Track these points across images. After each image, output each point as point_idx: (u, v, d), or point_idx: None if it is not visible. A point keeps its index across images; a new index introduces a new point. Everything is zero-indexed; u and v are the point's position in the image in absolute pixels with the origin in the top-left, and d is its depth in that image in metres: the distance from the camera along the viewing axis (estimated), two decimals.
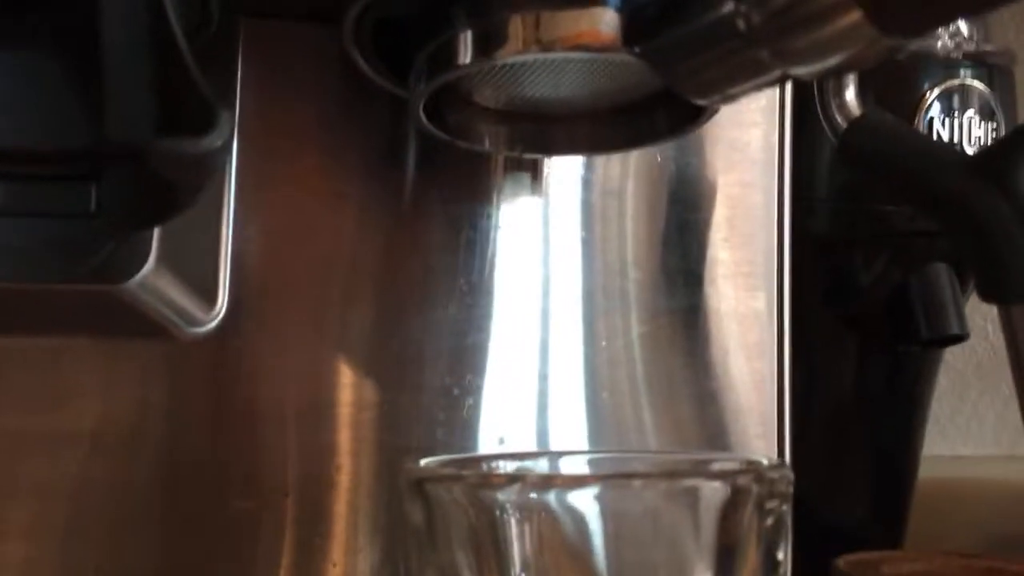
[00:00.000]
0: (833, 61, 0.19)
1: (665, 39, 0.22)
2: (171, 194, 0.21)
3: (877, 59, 0.18)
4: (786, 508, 0.22)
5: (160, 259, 0.25)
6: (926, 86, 0.43)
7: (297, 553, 0.31)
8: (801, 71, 0.19)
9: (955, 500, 0.57)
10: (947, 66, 0.44)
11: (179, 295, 0.29)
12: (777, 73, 0.20)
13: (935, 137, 0.43)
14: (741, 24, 0.19)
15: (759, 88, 0.21)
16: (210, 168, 0.21)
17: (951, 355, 0.64)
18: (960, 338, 0.45)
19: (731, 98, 0.22)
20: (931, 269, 0.45)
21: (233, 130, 0.29)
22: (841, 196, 0.46)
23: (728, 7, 0.20)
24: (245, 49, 0.31)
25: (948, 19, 0.17)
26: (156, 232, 0.25)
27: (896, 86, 0.44)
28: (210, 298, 0.31)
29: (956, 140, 0.43)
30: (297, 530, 0.31)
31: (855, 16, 0.17)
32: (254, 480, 0.31)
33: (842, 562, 0.43)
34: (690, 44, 0.21)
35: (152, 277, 0.25)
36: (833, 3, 0.17)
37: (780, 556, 0.22)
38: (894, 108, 0.43)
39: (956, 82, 0.44)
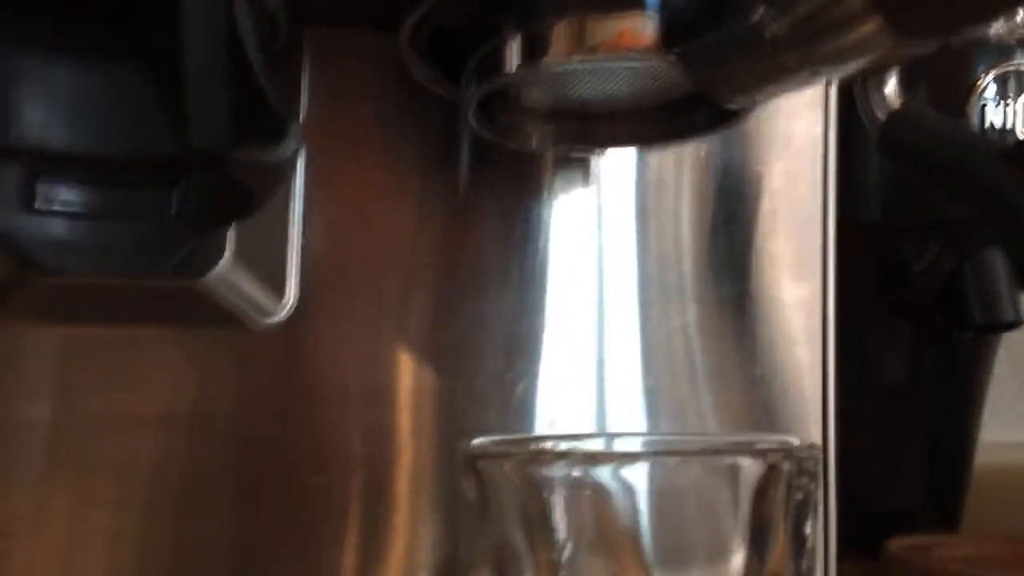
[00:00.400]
0: (855, 66, 0.19)
1: (699, 44, 0.23)
2: (245, 197, 0.23)
3: (898, 63, 0.19)
4: (814, 486, 0.23)
5: (234, 255, 0.27)
6: (980, 71, 0.43)
7: (363, 525, 0.33)
8: (824, 75, 0.20)
9: (1013, 486, 0.57)
10: (1001, 51, 0.43)
11: (252, 288, 0.31)
12: (803, 77, 0.21)
13: (988, 123, 0.43)
14: (768, 32, 0.20)
15: (787, 91, 0.22)
16: (282, 175, 0.23)
17: (1012, 341, 0.63)
18: (1015, 324, 0.45)
19: (761, 101, 0.23)
20: (984, 255, 0.45)
21: (299, 138, 0.31)
22: (892, 183, 0.46)
23: (757, 15, 0.21)
24: (310, 55, 0.33)
25: (964, 26, 0.18)
26: (231, 231, 0.27)
27: (949, 71, 0.43)
28: (280, 290, 0.33)
29: (1010, 125, 0.43)
30: (363, 505, 0.33)
31: (875, 24, 0.18)
32: (321, 458, 0.33)
33: (893, 545, 0.43)
34: (722, 50, 0.22)
35: (227, 272, 0.27)
36: (854, 12, 0.18)
37: (807, 531, 0.23)
38: (947, 93, 0.43)
39: (1011, 67, 0.43)
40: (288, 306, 0.33)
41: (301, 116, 0.32)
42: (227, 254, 0.27)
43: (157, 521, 0.32)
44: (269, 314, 0.33)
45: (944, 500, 0.52)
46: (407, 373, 0.34)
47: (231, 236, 0.27)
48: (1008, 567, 0.41)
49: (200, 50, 0.23)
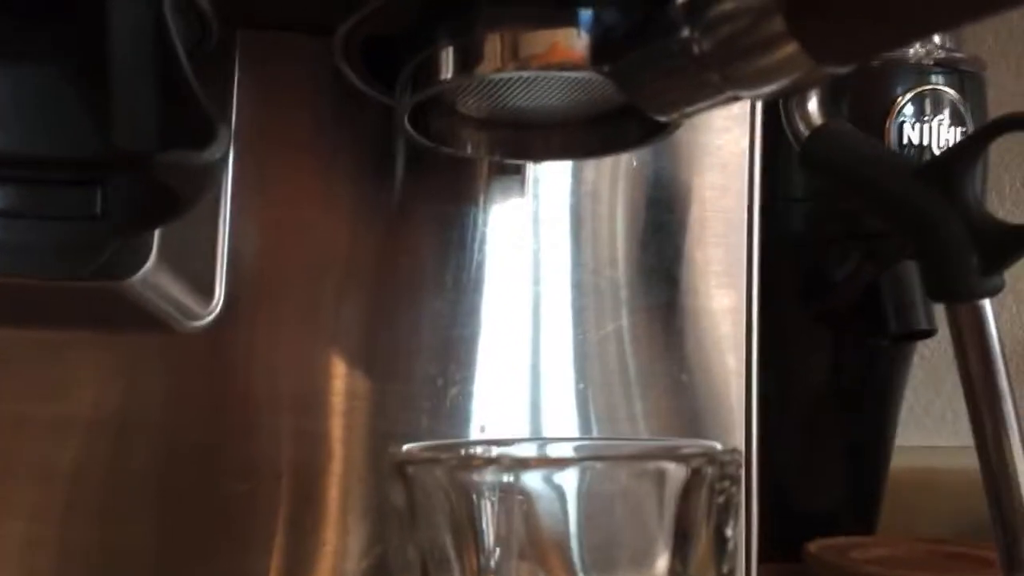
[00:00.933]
0: (775, 86, 0.20)
1: (629, 60, 0.24)
2: (172, 200, 0.23)
3: (816, 84, 0.19)
4: (735, 489, 0.24)
5: (160, 258, 0.27)
6: (898, 91, 0.45)
7: (290, 532, 0.33)
8: (748, 94, 0.21)
9: (928, 489, 0.59)
10: (919, 72, 0.45)
11: (178, 291, 0.30)
12: (727, 95, 0.22)
13: (906, 140, 0.45)
14: (695, 49, 0.21)
15: (713, 107, 0.23)
16: (210, 178, 0.23)
17: (927, 349, 0.66)
18: (928, 333, 0.47)
19: (688, 115, 0.24)
20: (901, 267, 0.47)
21: (230, 141, 0.31)
22: (815, 197, 0.48)
23: (683, 34, 0.21)
24: (242, 58, 0.33)
25: (877, 51, 0.18)
26: (157, 233, 0.27)
27: (869, 91, 0.45)
28: (207, 293, 0.32)
29: (926, 144, 0.45)
30: (290, 511, 0.33)
31: (793, 47, 0.19)
32: (249, 464, 0.33)
33: (813, 547, 0.45)
34: (650, 66, 0.23)
35: (153, 274, 0.27)
36: (773, 35, 0.19)
37: (729, 533, 0.24)
38: (867, 112, 0.45)
39: (927, 87, 0.45)
40: (216, 310, 0.33)
41: (232, 119, 0.32)
42: (152, 256, 0.26)
43: (77, 528, 0.32)
44: (196, 317, 0.32)
45: (862, 503, 0.54)
46: (339, 378, 0.34)
47: (157, 237, 0.26)
48: (922, 568, 0.43)
49: (127, 50, 0.23)
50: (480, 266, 0.35)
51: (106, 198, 0.24)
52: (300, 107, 0.34)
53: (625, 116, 0.30)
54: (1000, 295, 0.29)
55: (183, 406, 0.33)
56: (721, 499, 0.24)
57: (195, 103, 0.22)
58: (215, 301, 0.33)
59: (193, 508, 0.33)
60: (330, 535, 0.33)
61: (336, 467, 0.34)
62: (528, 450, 0.31)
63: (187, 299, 0.31)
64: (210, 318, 0.33)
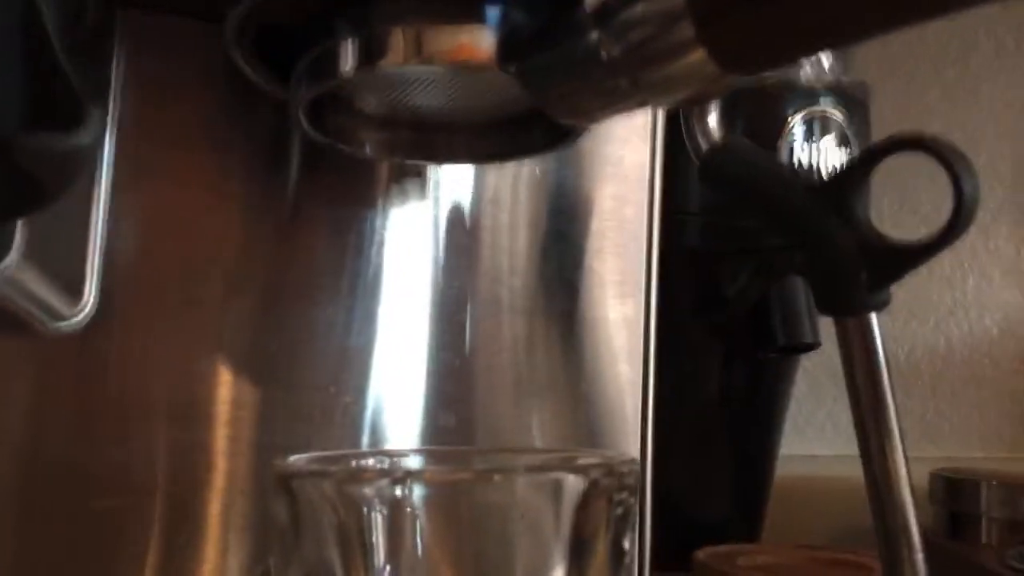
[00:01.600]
0: (683, 93, 0.20)
1: (536, 61, 0.23)
2: (36, 188, 0.21)
3: (721, 93, 0.19)
4: (633, 500, 0.24)
5: (23, 252, 0.25)
6: (789, 112, 0.47)
7: (165, 551, 0.31)
8: (655, 100, 0.21)
9: (810, 497, 0.61)
10: (809, 95, 0.47)
11: (43, 290, 0.28)
12: (634, 100, 0.21)
13: (796, 160, 0.47)
14: (604, 54, 0.21)
15: (621, 112, 0.23)
16: (78, 164, 0.21)
17: (809, 362, 0.69)
18: (812, 346, 0.49)
19: (595, 120, 0.24)
20: (789, 282, 0.48)
21: (104, 127, 0.29)
22: (711, 212, 0.49)
23: (592, 37, 0.21)
24: (126, 41, 0.31)
25: (782, 61, 0.19)
26: (19, 224, 0.24)
27: (763, 111, 0.47)
28: (76, 293, 0.30)
29: (815, 164, 0.47)
30: (165, 528, 0.31)
31: (700, 54, 0.19)
32: (120, 478, 0.31)
33: (701, 554, 0.46)
34: (558, 68, 0.23)
35: (14, 271, 0.25)
36: (681, 42, 0.19)
37: (626, 545, 0.24)
38: (761, 131, 0.46)
39: (816, 110, 0.47)
40: (86, 311, 0.30)
41: (110, 105, 0.30)
42: (14, 251, 0.24)
43: None
44: (63, 319, 0.30)
45: (748, 510, 0.55)
46: (222, 385, 0.32)
47: (19, 230, 0.24)
48: (805, 573, 0.45)
49: None
50: (377, 272, 0.34)
51: None
52: (188, 97, 0.32)
53: (530, 121, 0.30)
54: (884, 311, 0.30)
55: (48, 414, 0.30)
56: (619, 510, 0.23)
57: (64, 83, 0.20)
58: (84, 301, 0.30)
59: (58, 525, 0.30)
60: (209, 553, 0.31)
61: (217, 480, 0.32)
62: (420, 461, 0.30)
63: (54, 299, 0.29)
64: (79, 319, 0.30)
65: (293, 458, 0.25)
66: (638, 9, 0.20)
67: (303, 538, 0.23)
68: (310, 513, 0.23)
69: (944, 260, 0.70)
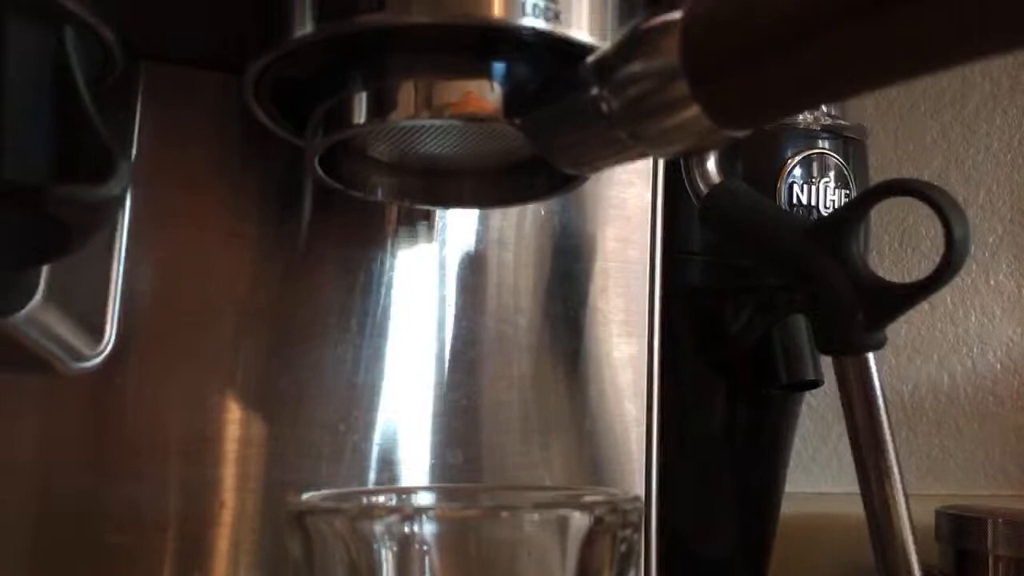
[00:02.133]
0: (680, 146, 0.21)
1: (540, 114, 0.24)
2: (64, 235, 0.22)
3: (716, 146, 0.20)
4: (636, 537, 0.24)
5: (48, 294, 0.26)
6: (788, 153, 0.48)
7: None
8: (653, 152, 0.22)
9: (816, 534, 0.61)
10: (807, 136, 0.48)
11: (65, 330, 0.29)
12: (634, 151, 0.22)
13: (795, 200, 0.47)
14: (604, 107, 0.22)
15: (621, 162, 0.24)
16: (107, 214, 0.22)
17: (814, 399, 0.69)
18: (815, 383, 0.49)
19: (597, 169, 0.25)
20: (791, 320, 0.49)
21: (131, 177, 0.30)
22: (712, 251, 0.49)
23: (593, 92, 0.22)
24: (145, 90, 0.32)
25: (774, 117, 0.20)
26: (45, 268, 0.25)
27: (762, 152, 0.48)
28: (97, 334, 0.31)
29: (814, 204, 0.48)
30: (176, 564, 0.31)
31: (695, 110, 0.20)
32: (132, 515, 0.31)
33: None
34: (561, 121, 0.24)
35: (38, 312, 0.25)
36: (676, 98, 0.20)
37: None
38: (760, 172, 0.47)
39: (815, 151, 0.48)
40: (105, 350, 0.31)
41: (133, 153, 0.31)
42: (39, 293, 0.25)
43: None
44: (83, 359, 0.30)
45: (753, 548, 0.55)
46: (233, 423, 0.33)
47: (45, 272, 0.25)
48: None
49: (22, 77, 0.22)
50: (386, 311, 0.35)
51: None
52: (204, 143, 0.33)
53: (534, 167, 0.31)
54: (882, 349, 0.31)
55: (62, 451, 0.31)
56: (623, 547, 0.24)
57: (94, 135, 0.21)
58: (105, 341, 0.31)
59: (70, 561, 0.31)
60: None
61: (227, 517, 0.32)
62: (430, 498, 0.31)
63: (74, 339, 0.30)
64: (98, 359, 0.31)
65: (306, 495, 0.25)
66: (636, 67, 0.21)
67: (317, 573, 0.23)
68: (323, 549, 0.23)
69: (946, 297, 0.70)
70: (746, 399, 0.53)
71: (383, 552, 0.23)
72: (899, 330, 0.69)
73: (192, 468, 0.32)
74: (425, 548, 0.23)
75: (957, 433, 0.70)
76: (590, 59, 0.23)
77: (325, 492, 0.27)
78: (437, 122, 0.27)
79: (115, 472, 0.31)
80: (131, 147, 0.31)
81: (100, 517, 0.31)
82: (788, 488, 0.56)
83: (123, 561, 0.31)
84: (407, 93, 0.26)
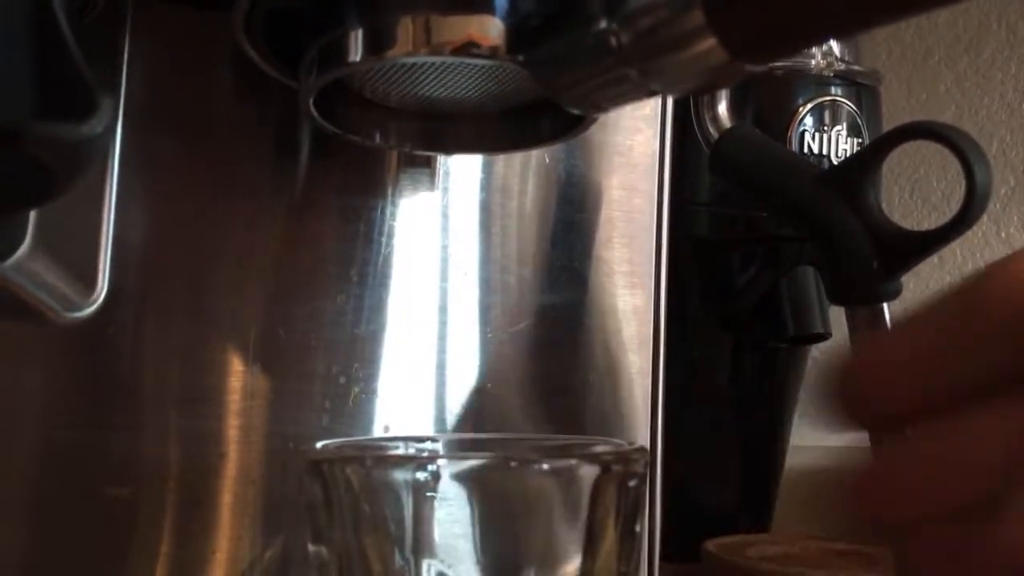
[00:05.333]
0: (692, 81, 0.20)
1: (545, 51, 0.23)
2: (48, 178, 0.21)
3: (731, 81, 0.19)
4: (643, 487, 0.24)
5: (36, 242, 0.25)
6: (800, 101, 0.46)
7: (176, 540, 0.31)
8: (664, 89, 0.21)
9: (820, 487, 0.61)
10: (819, 83, 0.47)
11: (56, 279, 0.28)
12: (644, 89, 0.21)
13: (807, 148, 0.46)
14: (612, 42, 0.21)
15: (630, 101, 0.23)
16: (89, 154, 0.21)
17: (820, 352, 0.69)
18: (823, 336, 0.49)
19: (603, 109, 0.24)
20: (799, 272, 0.48)
21: (116, 116, 0.29)
22: (720, 202, 0.49)
23: (601, 25, 0.21)
24: (135, 30, 0.31)
25: (792, 49, 0.19)
26: (32, 214, 0.25)
27: (773, 99, 0.46)
28: (89, 283, 0.30)
29: (825, 152, 0.47)
30: (177, 516, 0.31)
31: (710, 42, 0.19)
32: (132, 466, 0.31)
33: (711, 545, 0.46)
34: (567, 57, 0.23)
35: (27, 260, 0.25)
36: (691, 29, 0.19)
37: (637, 528, 0.24)
38: (771, 119, 0.46)
39: (827, 98, 0.47)
40: (99, 300, 0.30)
41: (121, 94, 0.30)
42: (27, 240, 0.24)
43: None
44: (76, 308, 0.30)
45: (758, 501, 0.55)
46: (233, 375, 0.32)
47: (32, 220, 0.24)
48: (815, 564, 0.45)
49: None
50: (387, 261, 0.34)
51: None
52: (197, 86, 0.32)
53: (538, 110, 0.30)
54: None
55: (60, 403, 0.31)
56: (630, 497, 0.24)
57: (75, 72, 0.20)
58: (98, 290, 0.30)
59: (70, 513, 0.30)
60: (221, 541, 0.32)
61: (228, 469, 0.32)
62: (441, 447, 0.31)
63: (66, 288, 0.29)
64: (91, 309, 0.30)
65: (321, 444, 0.25)
66: None
67: (335, 521, 0.24)
68: (339, 496, 0.23)
69: (956, 249, 0.69)
70: (752, 351, 0.53)
71: (399, 499, 0.23)
72: (907, 283, 0.68)
73: (192, 420, 0.32)
74: (439, 496, 0.23)
75: None
76: None
77: (341, 441, 0.27)
78: (437, 60, 0.25)
79: (114, 424, 0.31)
80: (119, 86, 0.30)
81: (99, 469, 0.31)
82: (793, 441, 0.56)
83: (123, 512, 0.31)
84: (406, 29, 0.24)
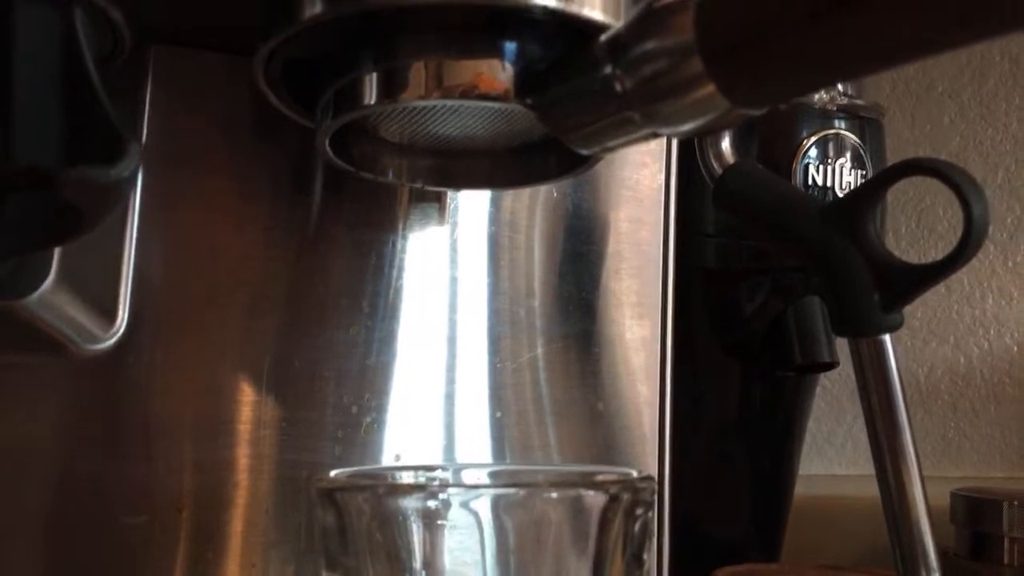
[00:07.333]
0: (692, 125, 0.21)
1: (552, 94, 0.24)
2: (75, 217, 0.22)
3: (731, 125, 0.20)
4: (651, 515, 0.25)
5: (60, 276, 0.26)
6: (804, 134, 0.47)
7: (189, 567, 0.32)
8: (666, 132, 0.22)
9: (830, 516, 0.61)
10: (823, 117, 0.48)
11: (78, 312, 0.29)
12: (647, 132, 0.22)
13: (811, 181, 0.47)
14: (617, 87, 0.22)
15: (634, 143, 0.23)
16: (117, 196, 0.22)
17: (828, 381, 0.69)
18: (830, 365, 0.49)
19: (609, 150, 0.25)
20: (806, 301, 0.49)
21: (140, 159, 0.30)
22: (727, 232, 0.49)
23: (606, 71, 0.22)
24: (154, 74, 0.32)
25: (790, 96, 0.19)
26: (57, 250, 0.25)
27: (777, 133, 0.47)
28: (109, 316, 0.31)
29: (829, 185, 0.47)
30: (190, 545, 0.32)
31: (710, 89, 0.19)
32: (147, 496, 0.31)
33: (720, 574, 0.46)
34: (573, 101, 0.24)
35: (51, 294, 0.26)
36: (691, 76, 0.20)
37: (645, 557, 0.25)
38: (776, 152, 0.47)
39: (831, 132, 0.48)
40: (118, 332, 0.31)
41: (143, 136, 0.31)
42: (51, 275, 0.25)
43: None
44: (96, 341, 0.31)
45: (767, 530, 0.55)
46: (246, 405, 0.33)
47: (57, 255, 0.25)
48: None
49: (33, 60, 0.22)
50: (397, 293, 0.35)
51: (5, 214, 0.23)
52: (214, 125, 0.33)
53: (547, 148, 0.30)
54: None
55: (77, 433, 0.31)
56: (638, 526, 0.24)
57: (104, 118, 0.21)
58: (118, 323, 0.31)
59: (86, 541, 0.31)
60: (233, 569, 0.32)
61: (241, 498, 0.32)
62: (451, 476, 0.31)
63: (87, 321, 0.30)
64: (111, 341, 0.31)
65: (335, 472, 0.26)
66: (649, 45, 0.20)
67: (348, 548, 0.24)
68: (351, 524, 0.24)
69: (963, 278, 0.70)
70: (760, 381, 0.53)
71: (409, 527, 0.24)
72: (915, 312, 0.68)
73: (206, 449, 0.32)
74: (449, 524, 0.24)
75: (973, 415, 0.69)
76: (603, 38, 0.22)
77: (353, 469, 0.27)
78: (448, 102, 0.26)
79: (130, 454, 0.31)
80: (141, 129, 0.31)
81: (114, 499, 0.31)
82: (802, 470, 0.56)
83: (137, 542, 0.31)
84: (418, 73, 0.25)
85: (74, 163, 0.21)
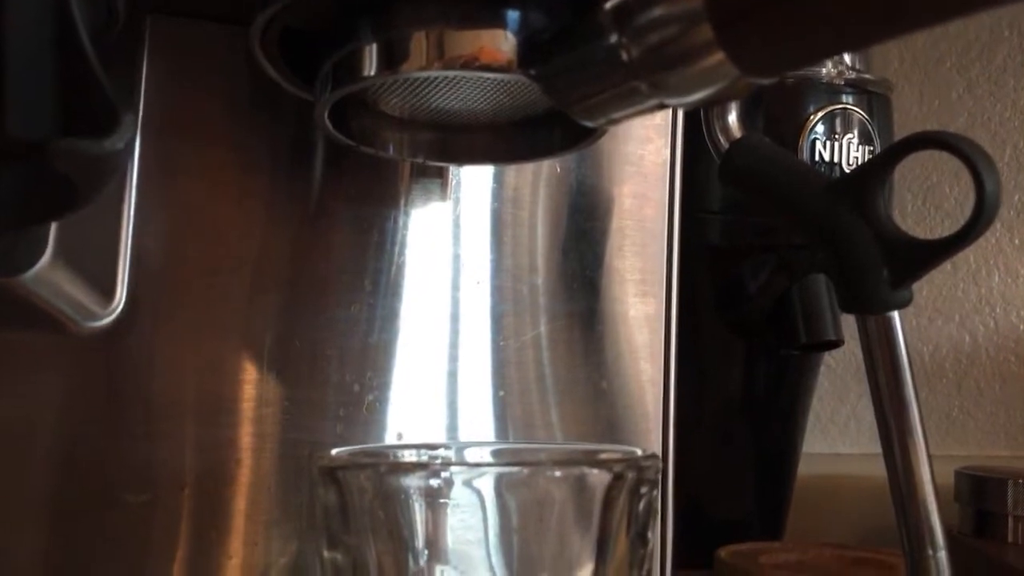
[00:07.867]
0: (701, 95, 0.20)
1: (556, 65, 0.24)
2: (70, 191, 0.22)
3: (740, 95, 0.20)
4: (655, 494, 0.24)
5: (57, 252, 0.25)
6: (811, 109, 0.47)
7: (192, 546, 0.32)
8: (674, 102, 0.21)
9: (833, 495, 0.61)
10: (830, 91, 0.47)
11: (75, 289, 0.29)
12: (654, 102, 0.22)
13: (818, 157, 0.46)
14: (623, 56, 0.21)
15: (641, 114, 0.23)
16: (111, 168, 0.21)
17: (832, 359, 0.68)
18: (835, 343, 0.49)
19: (614, 122, 0.24)
20: (811, 279, 0.48)
21: (136, 131, 0.29)
22: (732, 209, 0.49)
23: (611, 40, 0.21)
24: (152, 44, 0.31)
25: (801, 63, 0.19)
26: (53, 225, 0.25)
27: (784, 108, 0.47)
28: (108, 293, 0.31)
29: (836, 160, 0.47)
30: (193, 523, 0.32)
31: (719, 56, 0.19)
32: (149, 474, 0.31)
33: (724, 552, 0.46)
34: (578, 71, 0.23)
35: (48, 270, 0.25)
36: (699, 44, 0.19)
37: (649, 535, 0.24)
38: (782, 128, 0.46)
39: (838, 107, 0.47)
40: (117, 310, 0.31)
41: (140, 108, 0.30)
42: (48, 251, 0.25)
43: None
44: (95, 318, 0.30)
45: (771, 508, 0.55)
46: (248, 383, 0.33)
47: (53, 231, 0.25)
48: (828, 572, 0.44)
49: (24, 30, 0.21)
50: (399, 270, 0.35)
51: None
52: (213, 99, 0.32)
53: (550, 121, 0.30)
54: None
55: (78, 411, 0.31)
56: (642, 504, 0.24)
57: (97, 89, 0.21)
58: (116, 300, 0.31)
59: (88, 520, 0.31)
60: (236, 547, 0.32)
61: (243, 476, 0.32)
62: (453, 454, 0.31)
63: (85, 298, 0.30)
64: (110, 319, 0.31)
65: (336, 451, 0.26)
66: (657, 12, 0.20)
67: (350, 526, 0.24)
68: (353, 502, 0.24)
69: (969, 256, 0.69)
70: (764, 359, 0.52)
71: (412, 505, 0.24)
72: (921, 290, 0.68)
73: (208, 428, 0.32)
74: (451, 502, 0.24)
75: (978, 394, 0.69)
76: (608, 5, 0.22)
77: (355, 448, 0.27)
78: (450, 74, 0.26)
79: (131, 432, 0.31)
80: (137, 101, 0.30)
81: (116, 478, 0.31)
82: (805, 449, 0.56)
83: (140, 520, 0.31)
84: (418, 44, 0.25)
85: (67, 135, 0.20)
